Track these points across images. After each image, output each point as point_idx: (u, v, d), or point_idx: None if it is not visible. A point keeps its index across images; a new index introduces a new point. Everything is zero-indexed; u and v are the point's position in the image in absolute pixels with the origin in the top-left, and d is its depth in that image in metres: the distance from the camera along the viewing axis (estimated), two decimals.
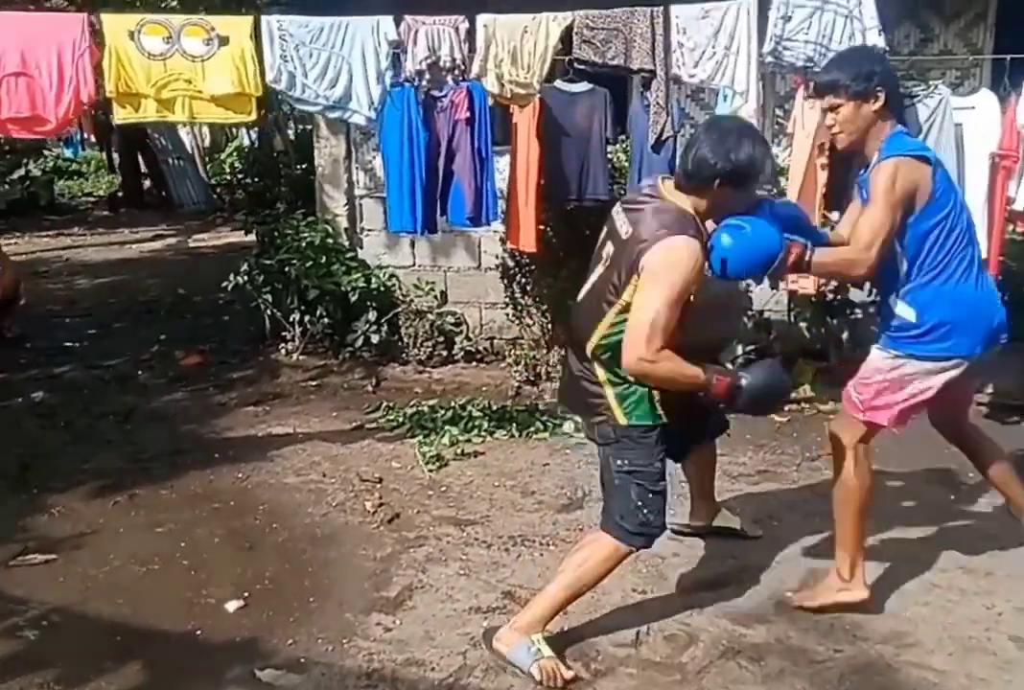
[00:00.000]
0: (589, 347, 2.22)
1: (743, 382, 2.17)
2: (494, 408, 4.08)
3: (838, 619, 2.47)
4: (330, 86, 3.67)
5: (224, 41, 3.58)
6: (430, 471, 3.53)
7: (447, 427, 3.87)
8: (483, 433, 3.86)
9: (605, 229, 2.31)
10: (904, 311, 2.31)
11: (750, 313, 4.70)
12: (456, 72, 3.71)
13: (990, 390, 4.07)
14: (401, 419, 4.03)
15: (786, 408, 4.20)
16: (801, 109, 3.72)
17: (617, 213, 2.28)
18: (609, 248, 2.24)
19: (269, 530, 3.07)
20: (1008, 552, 2.83)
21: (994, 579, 2.68)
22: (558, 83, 3.94)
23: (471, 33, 3.63)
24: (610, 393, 2.22)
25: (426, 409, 4.08)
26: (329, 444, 3.82)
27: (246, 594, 2.66)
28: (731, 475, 3.44)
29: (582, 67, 3.74)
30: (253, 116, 3.70)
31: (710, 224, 2.22)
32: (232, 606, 2.59)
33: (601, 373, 2.23)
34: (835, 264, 2.30)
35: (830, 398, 4.18)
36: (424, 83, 3.71)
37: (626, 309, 2.14)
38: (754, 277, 2.31)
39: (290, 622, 2.51)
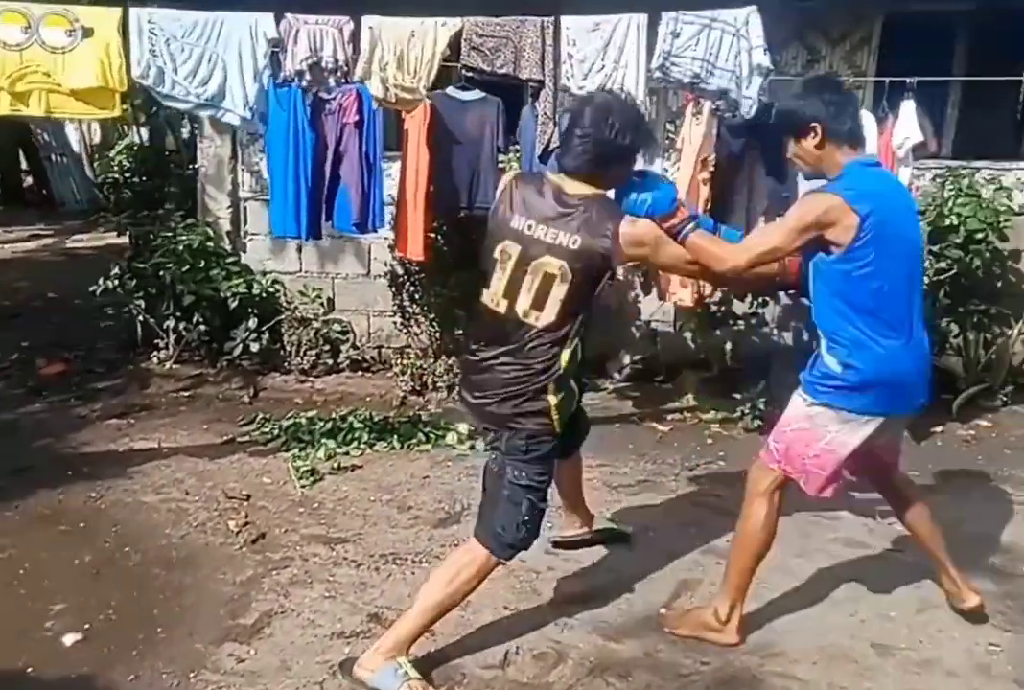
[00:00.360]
0: (560, 362, 2.18)
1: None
2: (376, 419, 3.96)
3: None
4: (202, 83, 3.55)
5: (88, 33, 3.44)
6: (303, 487, 3.39)
7: (324, 440, 3.73)
8: (362, 445, 3.74)
9: (518, 247, 2.20)
10: (828, 360, 2.25)
11: (638, 323, 4.76)
12: (339, 74, 3.62)
13: None
14: (276, 431, 3.86)
15: (668, 417, 4.26)
16: (689, 125, 3.76)
17: (532, 228, 2.19)
18: (554, 264, 2.15)
19: (120, 554, 2.87)
20: (874, 559, 2.91)
21: (859, 587, 2.74)
22: (450, 90, 3.87)
23: (356, 35, 3.54)
24: (553, 402, 2.20)
25: (304, 421, 3.92)
26: (196, 459, 3.62)
27: (87, 625, 2.47)
28: (611, 485, 3.44)
29: (470, 74, 3.69)
30: (117, 112, 3.58)
31: None
32: (69, 639, 2.40)
33: (552, 385, 2.19)
34: (704, 251, 2.21)
35: (712, 407, 4.26)
36: (304, 83, 3.60)
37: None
38: (654, 216, 2.22)
39: (133, 655, 2.34)
